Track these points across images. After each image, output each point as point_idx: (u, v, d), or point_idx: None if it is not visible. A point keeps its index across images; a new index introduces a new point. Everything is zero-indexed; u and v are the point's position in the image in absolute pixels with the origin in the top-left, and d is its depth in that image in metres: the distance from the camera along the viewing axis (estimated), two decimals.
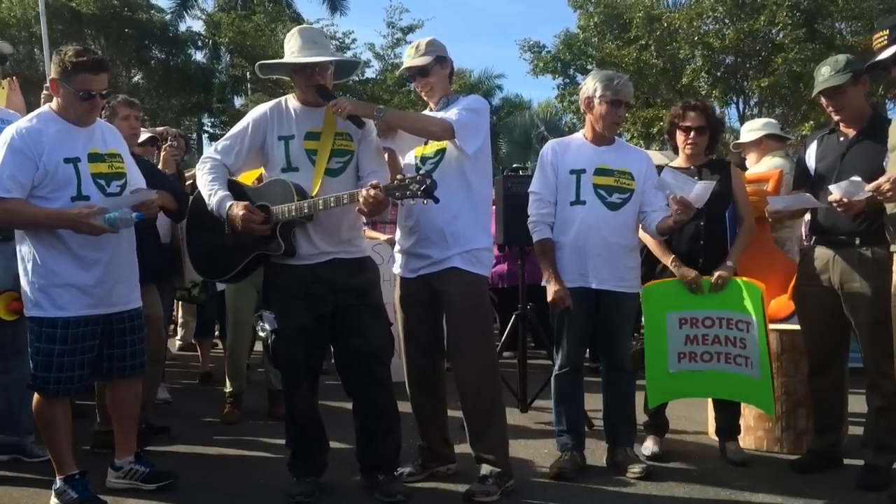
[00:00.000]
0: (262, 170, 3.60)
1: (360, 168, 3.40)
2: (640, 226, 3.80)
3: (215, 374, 6.23)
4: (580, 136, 3.88)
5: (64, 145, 3.15)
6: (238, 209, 3.18)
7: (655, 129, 16.86)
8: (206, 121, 25.13)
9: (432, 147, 3.49)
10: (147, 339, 4.10)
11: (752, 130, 5.10)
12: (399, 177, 3.09)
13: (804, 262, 3.86)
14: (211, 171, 3.35)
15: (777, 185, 4.75)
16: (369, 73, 21.30)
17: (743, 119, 17.97)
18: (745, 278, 3.83)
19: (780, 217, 3.87)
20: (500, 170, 5.26)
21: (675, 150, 4.13)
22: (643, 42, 17.00)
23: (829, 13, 16.18)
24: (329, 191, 3.24)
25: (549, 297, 3.70)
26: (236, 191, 3.34)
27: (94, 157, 3.24)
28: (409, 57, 3.56)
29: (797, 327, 4.02)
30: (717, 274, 3.80)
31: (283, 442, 3.66)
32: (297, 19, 24.55)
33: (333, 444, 3.66)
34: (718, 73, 16.93)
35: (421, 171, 3.14)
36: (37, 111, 3.27)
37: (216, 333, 6.84)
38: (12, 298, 3.60)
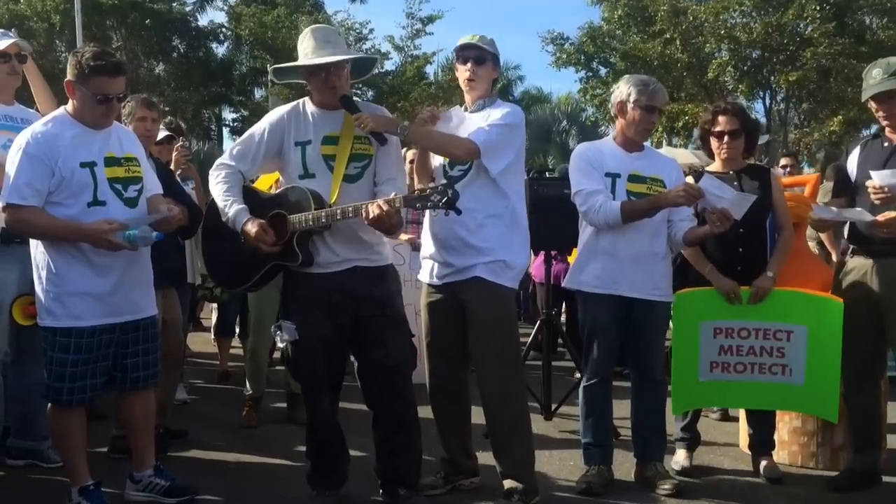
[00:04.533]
0: (278, 174, 3.49)
1: (377, 174, 3.27)
2: (670, 239, 3.65)
3: (234, 373, 6.19)
4: (610, 141, 3.73)
5: (80, 149, 3.05)
6: (252, 227, 3.08)
7: (680, 124, 16.65)
8: (227, 114, 25.21)
9: None
10: (165, 343, 4.04)
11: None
12: (419, 187, 2.98)
13: (840, 273, 3.72)
14: (226, 179, 3.24)
15: (814, 189, 4.60)
16: (389, 66, 21.24)
17: (769, 114, 17.70)
18: (826, 294, 3.68)
19: (824, 227, 3.71)
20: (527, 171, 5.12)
21: (711, 156, 3.96)
22: (668, 35, 16.74)
23: (858, 7, 15.85)
24: (347, 197, 3.13)
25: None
26: (252, 198, 3.24)
27: (111, 161, 3.14)
28: (472, 38, 3.42)
29: None
30: (756, 286, 3.65)
31: (302, 448, 3.57)
32: (318, 8, 24.51)
33: (353, 452, 3.55)
34: (745, 68, 16.61)
35: (443, 181, 3.01)
36: (52, 114, 3.17)
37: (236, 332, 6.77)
38: (28, 303, 3.53)
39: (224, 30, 22.33)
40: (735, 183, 3.75)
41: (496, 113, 3.35)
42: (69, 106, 3.13)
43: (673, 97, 17.71)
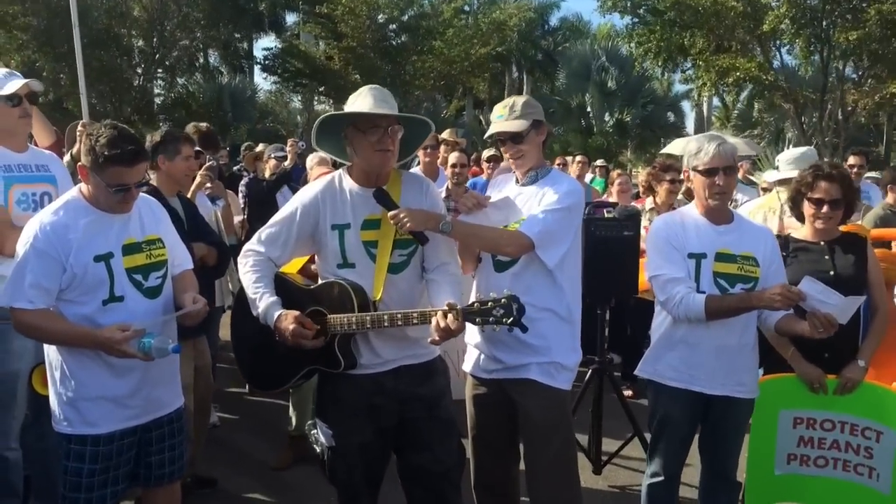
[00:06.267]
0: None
1: (426, 259, 2.89)
2: (758, 320, 3.23)
3: None
4: (694, 211, 3.26)
5: (94, 240, 2.68)
6: (288, 322, 2.71)
7: (731, 80, 15.78)
8: (258, 51, 24.59)
9: None
10: (196, 388, 3.90)
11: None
12: (480, 299, 2.60)
13: None
14: (255, 267, 2.87)
15: None
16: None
17: (826, 71, 16.74)
18: (891, 388, 3.27)
19: None
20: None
21: (800, 219, 3.49)
22: None
23: None
24: (392, 289, 2.78)
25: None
26: (286, 290, 2.87)
27: (130, 249, 2.76)
28: (501, 117, 3.01)
29: None
30: (845, 376, 3.25)
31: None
32: None
33: None
34: (803, 21, 15.54)
35: (506, 292, 2.60)
36: (63, 198, 2.77)
37: None
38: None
39: None
40: (826, 257, 3.33)
41: (551, 193, 2.93)
42: (84, 187, 2.75)
43: (723, 48, 16.80)
